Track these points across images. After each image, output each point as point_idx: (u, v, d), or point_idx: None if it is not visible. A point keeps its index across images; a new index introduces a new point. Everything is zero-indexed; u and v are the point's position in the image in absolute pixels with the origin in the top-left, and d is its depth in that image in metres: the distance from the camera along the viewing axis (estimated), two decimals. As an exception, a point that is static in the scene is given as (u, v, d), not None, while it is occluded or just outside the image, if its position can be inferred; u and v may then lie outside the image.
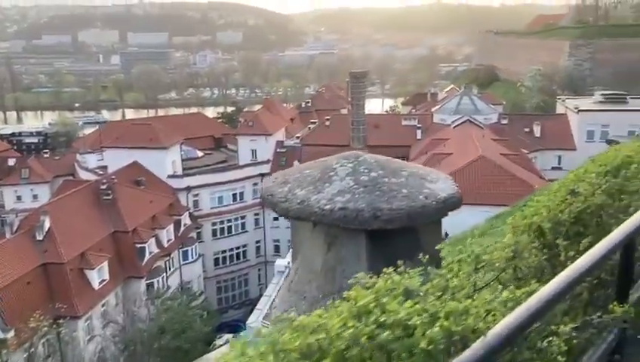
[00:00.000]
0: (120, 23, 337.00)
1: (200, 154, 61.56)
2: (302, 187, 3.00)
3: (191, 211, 52.53)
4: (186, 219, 50.35)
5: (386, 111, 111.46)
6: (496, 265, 2.20)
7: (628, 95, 59.19)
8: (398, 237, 2.98)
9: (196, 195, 54.38)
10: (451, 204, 3.00)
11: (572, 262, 2.02)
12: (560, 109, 61.59)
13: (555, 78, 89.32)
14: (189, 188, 53.27)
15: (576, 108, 55.45)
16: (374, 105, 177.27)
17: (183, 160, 56.95)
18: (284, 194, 2.99)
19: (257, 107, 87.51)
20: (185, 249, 49.51)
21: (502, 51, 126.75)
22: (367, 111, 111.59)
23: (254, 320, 26.30)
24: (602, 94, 58.18)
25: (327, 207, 2.80)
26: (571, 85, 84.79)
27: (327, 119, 61.57)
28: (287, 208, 2.91)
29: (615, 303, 2.17)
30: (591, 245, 2.16)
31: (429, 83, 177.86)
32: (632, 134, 47.66)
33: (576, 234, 2.46)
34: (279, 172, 3.38)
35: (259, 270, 58.45)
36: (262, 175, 57.67)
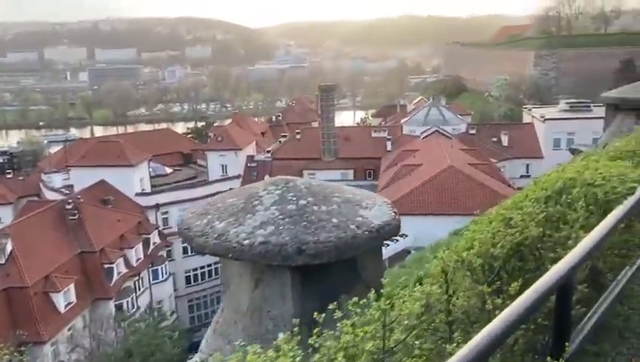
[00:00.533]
0: (87, 40, 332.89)
1: (169, 170, 60.65)
2: (222, 219, 2.70)
3: (160, 229, 51.55)
4: (155, 238, 49.35)
5: (357, 124, 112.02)
6: (406, 322, 1.92)
7: (591, 103, 60.40)
8: (333, 270, 2.69)
9: (165, 213, 53.41)
10: (386, 232, 2.73)
11: (508, 304, 1.78)
12: (527, 118, 62.56)
13: (522, 87, 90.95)
14: (157, 206, 52.30)
15: (542, 117, 56.37)
16: (346, 118, 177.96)
17: (151, 177, 55.97)
18: (202, 227, 2.69)
19: (228, 121, 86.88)
20: (155, 268, 48.50)
21: (469, 62, 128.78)
22: (338, 124, 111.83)
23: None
24: (567, 103, 59.32)
25: (247, 241, 2.51)
26: (537, 94, 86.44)
27: (298, 132, 61.41)
28: (203, 244, 2.61)
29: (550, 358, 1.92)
30: (526, 285, 1.92)
31: (399, 95, 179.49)
32: (596, 142, 48.64)
33: (514, 269, 2.22)
34: (206, 200, 3.08)
35: (232, 287, 57.57)
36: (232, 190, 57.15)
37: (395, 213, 2.90)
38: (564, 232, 2.30)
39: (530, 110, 62.19)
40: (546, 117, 55.87)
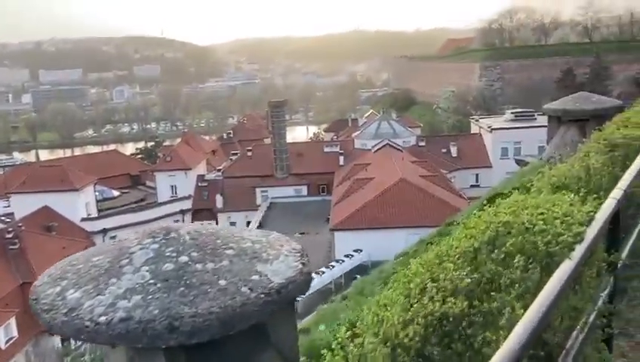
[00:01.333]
0: (30, 61, 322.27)
1: (116, 193, 58.78)
2: (79, 286, 2.12)
3: (109, 254, 49.64)
4: (103, 264, 47.41)
5: (311, 139, 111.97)
6: None
7: (536, 112, 62.09)
8: (229, 342, 2.11)
9: (113, 237, 51.45)
10: (290, 292, 2.19)
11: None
12: (474, 129, 63.73)
13: (468, 98, 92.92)
14: (105, 231, 50.48)
15: (489, 127, 57.50)
16: (299, 133, 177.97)
17: (97, 201, 54.14)
18: (52, 298, 2.09)
19: (179, 140, 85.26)
20: (103, 295, 46.54)
21: (417, 75, 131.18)
22: (291, 140, 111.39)
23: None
24: (512, 112, 60.77)
25: (103, 318, 1.92)
26: (484, 105, 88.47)
27: (249, 150, 60.66)
28: (50, 321, 2.01)
29: None
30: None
31: (350, 109, 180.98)
32: (542, 150, 49.95)
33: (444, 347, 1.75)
34: (66, 259, 2.47)
35: (186, 310, 55.93)
36: (183, 211, 55.80)
37: (303, 264, 2.35)
38: (494, 303, 1.84)
39: (477, 121, 63.43)
40: (493, 127, 57.03)
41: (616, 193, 2.79)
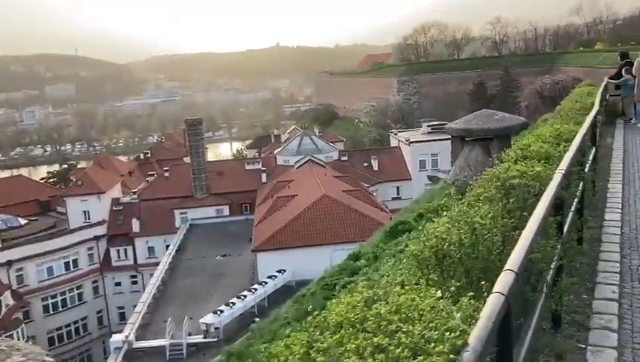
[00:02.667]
0: None
1: (23, 221, 54.82)
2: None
3: (14, 288, 46.03)
4: (7, 299, 43.83)
5: (234, 156, 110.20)
6: None
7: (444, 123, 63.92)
8: None
9: (20, 269, 47.99)
10: None
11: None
12: (394, 142, 64.71)
13: (388, 112, 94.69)
14: (10, 263, 46.81)
15: (407, 140, 58.52)
16: (223, 150, 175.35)
17: (1, 231, 50.27)
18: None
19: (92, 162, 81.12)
20: (9, 333, 42.87)
21: (338, 90, 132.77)
22: (214, 157, 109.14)
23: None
24: (429, 125, 62.18)
25: None
26: (403, 118, 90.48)
27: (166, 170, 58.48)
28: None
29: None
30: None
31: (275, 124, 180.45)
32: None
33: None
34: None
35: (103, 342, 52.67)
36: (97, 237, 52.87)
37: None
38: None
39: (396, 134, 64.47)
40: (411, 140, 58.07)
41: (505, 282, 2.08)
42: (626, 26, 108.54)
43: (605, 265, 4.85)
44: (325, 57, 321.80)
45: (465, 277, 2.63)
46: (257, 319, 28.37)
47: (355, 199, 43.98)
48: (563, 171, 3.38)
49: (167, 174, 57.82)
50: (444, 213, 3.78)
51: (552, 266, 3.36)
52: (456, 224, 3.04)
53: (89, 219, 53.49)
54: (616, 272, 4.65)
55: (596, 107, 7.32)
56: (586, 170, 5.55)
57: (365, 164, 59.09)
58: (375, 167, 58.50)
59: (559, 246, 3.52)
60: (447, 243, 2.81)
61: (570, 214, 4.30)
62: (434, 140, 57.31)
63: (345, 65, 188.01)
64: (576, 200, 4.66)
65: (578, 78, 19.57)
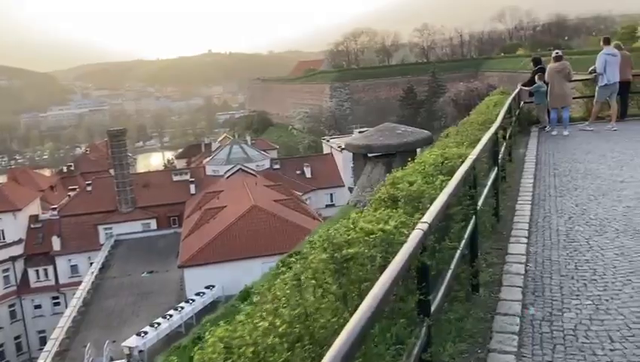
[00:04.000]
0: None
1: None
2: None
3: None
4: None
5: (165, 166, 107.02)
6: None
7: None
8: None
9: None
10: None
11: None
12: (326, 149, 64.39)
13: (322, 118, 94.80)
14: None
15: (339, 146, 58.24)
16: (155, 160, 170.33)
17: None
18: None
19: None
20: None
21: (271, 97, 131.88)
22: (145, 167, 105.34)
23: None
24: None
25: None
26: (336, 125, 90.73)
27: (89, 183, 55.57)
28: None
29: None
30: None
31: (208, 132, 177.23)
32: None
33: None
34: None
35: (23, 370, 49.40)
36: (13, 258, 49.48)
37: None
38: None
39: (328, 141, 64.19)
40: (343, 146, 57.78)
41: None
42: (545, 32, 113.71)
43: (502, 322, 4.01)
44: (259, 64, 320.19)
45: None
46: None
47: (287, 208, 43.13)
48: (426, 226, 2.54)
49: (90, 188, 54.94)
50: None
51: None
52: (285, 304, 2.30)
53: (4, 238, 49.97)
54: (514, 333, 3.85)
55: (498, 122, 6.71)
56: (480, 201, 4.87)
57: (298, 172, 58.41)
58: (308, 175, 57.93)
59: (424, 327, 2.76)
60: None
61: (447, 280, 3.52)
62: (365, 146, 57.35)
63: (278, 71, 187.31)
64: (458, 252, 3.88)
65: (493, 85, 19.49)
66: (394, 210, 3.27)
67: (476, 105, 13.38)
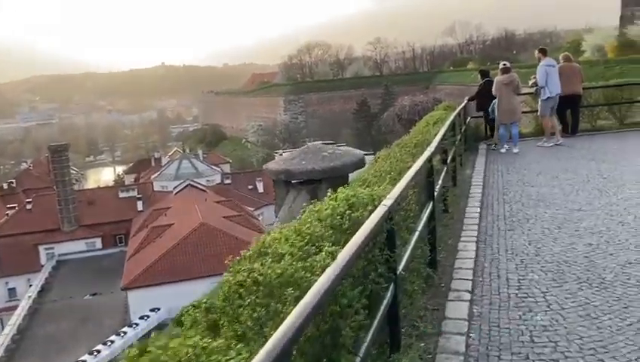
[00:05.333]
0: None
1: None
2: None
3: None
4: None
5: (115, 181, 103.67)
6: None
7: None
8: None
9: None
10: None
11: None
12: (279, 163, 63.39)
13: (276, 131, 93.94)
14: None
15: (292, 160, 57.38)
16: (106, 175, 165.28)
17: None
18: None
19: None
20: None
21: (225, 110, 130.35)
22: (94, 183, 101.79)
23: None
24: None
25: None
26: (290, 138, 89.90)
27: (29, 201, 52.87)
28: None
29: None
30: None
31: (161, 146, 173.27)
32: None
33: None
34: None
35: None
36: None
37: None
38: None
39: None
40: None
41: None
42: (494, 46, 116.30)
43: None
44: (213, 76, 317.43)
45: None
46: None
47: (237, 225, 41.92)
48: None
49: (30, 206, 52.25)
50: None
51: None
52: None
53: None
54: None
55: (433, 146, 5.56)
56: (401, 265, 3.56)
57: (250, 187, 57.24)
58: (260, 189, 56.81)
59: None
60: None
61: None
62: (318, 160, 56.73)
63: (233, 84, 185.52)
64: (372, 330, 2.85)
65: (439, 98, 18.81)
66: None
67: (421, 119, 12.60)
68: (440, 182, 6.11)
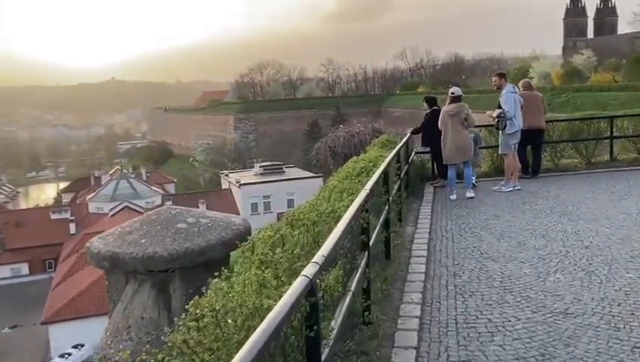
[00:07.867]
0: None
1: None
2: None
3: None
4: None
5: (54, 199, 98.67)
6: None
7: (284, 165, 62.19)
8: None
9: None
10: None
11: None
12: (225, 184, 61.21)
13: (225, 150, 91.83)
14: None
15: (237, 182, 55.38)
16: (49, 191, 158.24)
17: None
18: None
19: None
20: None
21: (173, 127, 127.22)
22: (35, 200, 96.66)
23: None
24: (261, 166, 59.80)
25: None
26: (240, 157, 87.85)
27: (-52, 224, 48.87)
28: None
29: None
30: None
31: (108, 162, 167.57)
32: (291, 204, 49.30)
33: None
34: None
35: None
36: None
37: None
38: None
39: (227, 175, 60.99)
40: (242, 182, 55.01)
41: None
42: (444, 71, 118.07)
43: None
44: (164, 92, 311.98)
45: None
46: None
47: (175, 251, 39.46)
48: None
49: (-51, 228, 48.27)
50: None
51: None
52: None
53: None
54: None
55: (351, 213, 3.66)
56: None
57: (193, 209, 54.71)
58: (203, 212, 54.38)
59: None
60: None
61: None
62: (266, 182, 54.95)
63: (185, 101, 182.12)
64: None
65: (379, 129, 17.10)
66: None
67: (357, 154, 10.76)
68: (360, 269, 4.12)
